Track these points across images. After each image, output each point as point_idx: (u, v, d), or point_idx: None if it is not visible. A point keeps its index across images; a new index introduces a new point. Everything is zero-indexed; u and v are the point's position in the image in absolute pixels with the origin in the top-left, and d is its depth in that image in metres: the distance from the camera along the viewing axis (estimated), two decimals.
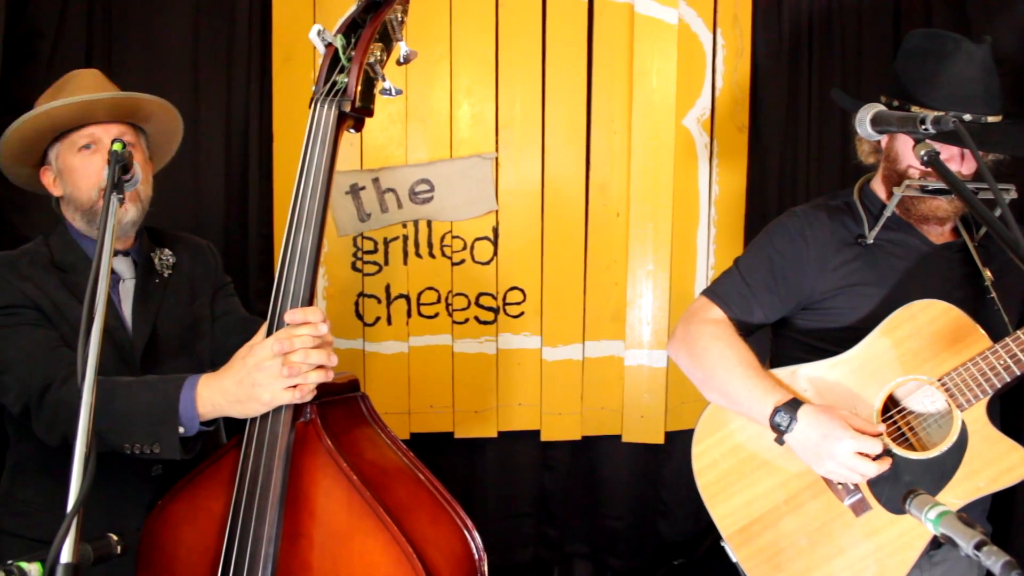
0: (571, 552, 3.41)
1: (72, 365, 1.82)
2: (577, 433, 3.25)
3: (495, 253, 3.15)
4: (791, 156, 3.23)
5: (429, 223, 3.12)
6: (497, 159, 3.12)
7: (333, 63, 1.75)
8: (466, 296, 3.15)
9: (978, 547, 1.25)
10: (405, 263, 3.12)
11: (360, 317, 3.11)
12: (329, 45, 1.75)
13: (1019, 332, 1.77)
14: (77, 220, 2.07)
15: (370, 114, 1.78)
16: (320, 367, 1.61)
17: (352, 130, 1.79)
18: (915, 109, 1.94)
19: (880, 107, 1.73)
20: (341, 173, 3.03)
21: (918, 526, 1.81)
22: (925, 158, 1.56)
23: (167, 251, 2.19)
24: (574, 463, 3.33)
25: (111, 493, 1.92)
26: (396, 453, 1.84)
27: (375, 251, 3.10)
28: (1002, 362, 1.78)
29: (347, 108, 1.70)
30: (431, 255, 3.13)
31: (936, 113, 1.54)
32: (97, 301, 1.44)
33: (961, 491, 1.79)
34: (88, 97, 2.00)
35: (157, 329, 2.08)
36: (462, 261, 3.14)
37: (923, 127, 1.55)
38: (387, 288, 3.12)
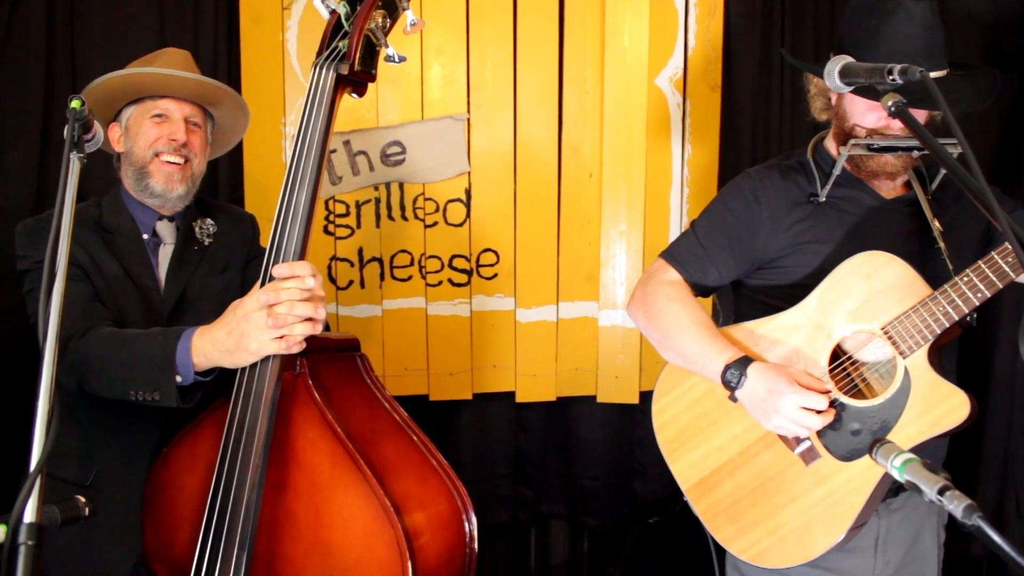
0: (548, 512, 3.43)
1: (97, 319, 1.95)
2: (552, 394, 3.26)
3: (468, 215, 3.15)
4: (764, 115, 3.21)
5: (401, 185, 3.12)
6: (469, 120, 3.11)
7: (336, 29, 1.80)
8: (439, 258, 3.16)
9: (941, 492, 1.28)
10: (378, 226, 3.12)
11: (333, 281, 3.12)
12: (333, 12, 1.80)
13: (957, 279, 1.78)
14: (130, 177, 2.18)
15: (372, 79, 1.83)
16: (308, 320, 1.66)
17: (354, 95, 1.84)
18: None
19: (849, 59, 1.73)
20: None
21: (865, 472, 1.84)
22: (892, 109, 1.57)
23: (209, 220, 2.29)
24: (549, 424, 3.35)
25: (125, 438, 2.05)
26: (390, 413, 1.89)
27: (347, 214, 3.10)
28: (941, 308, 1.79)
29: (345, 71, 1.75)
30: (404, 218, 3.13)
31: (903, 65, 1.54)
32: (59, 257, 1.46)
33: (905, 435, 1.80)
34: (176, 72, 2.16)
35: (187, 294, 2.18)
36: (435, 223, 3.14)
37: (890, 78, 1.55)
38: (360, 251, 3.12)
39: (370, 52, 1.79)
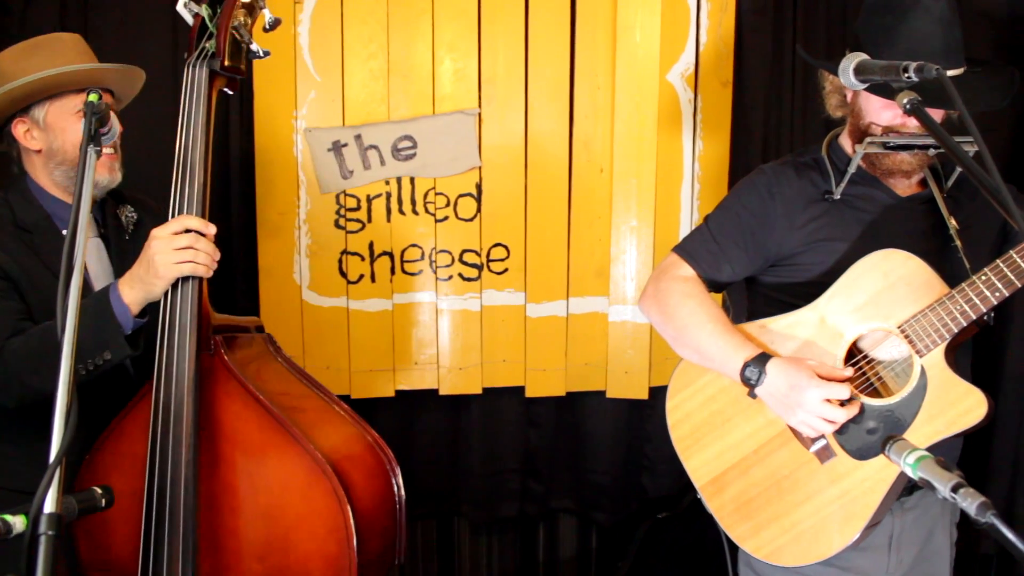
0: (556, 507, 3.44)
1: (11, 326, 1.93)
2: (561, 389, 3.26)
3: (478, 210, 3.14)
4: (775, 111, 3.21)
5: (412, 180, 3.11)
6: (480, 115, 3.10)
7: (201, 31, 1.97)
8: (450, 253, 3.15)
9: (955, 489, 1.28)
10: (388, 220, 3.12)
11: (344, 275, 3.12)
12: (196, 15, 1.98)
13: (974, 278, 1.78)
14: (56, 175, 2.13)
15: (242, 73, 2.01)
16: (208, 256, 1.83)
17: (227, 90, 2.01)
18: None
19: (864, 56, 1.73)
20: (323, 130, 3.02)
21: (880, 471, 1.84)
22: (908, 107, 1.57)
23: (129, 208, 2.28)
24: (559, 419, 3.35)
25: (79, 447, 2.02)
26: (303, 382, 2.00)
27: (358, 208, 3.10)
28: (958, 307, 1.79)
29: (217, 67, 1.91)
30: (414, 212, 3.13)
31: (919, 63, 1.54)
32: (76, 254, 1.47)
33: (922, 435, 1.80)
34: (97, 66, 2.15)
35: None
36: (445, 218, 3.14)
37: (906, 75, 1.56)
38: (370, 245, 3.12)
39: (236, 49, 1.97)
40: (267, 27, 2.02)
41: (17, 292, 2.00)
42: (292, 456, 1.76)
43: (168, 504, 1.71)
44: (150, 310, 1.87)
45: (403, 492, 1.93)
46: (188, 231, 1.80)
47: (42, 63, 2.07)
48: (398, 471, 1.94)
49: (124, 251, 2.19)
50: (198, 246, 1.80)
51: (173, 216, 1.88)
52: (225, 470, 1.78)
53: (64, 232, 2.10)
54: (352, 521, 1.73)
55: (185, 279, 1.83)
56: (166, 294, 1.83)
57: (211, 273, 1.83)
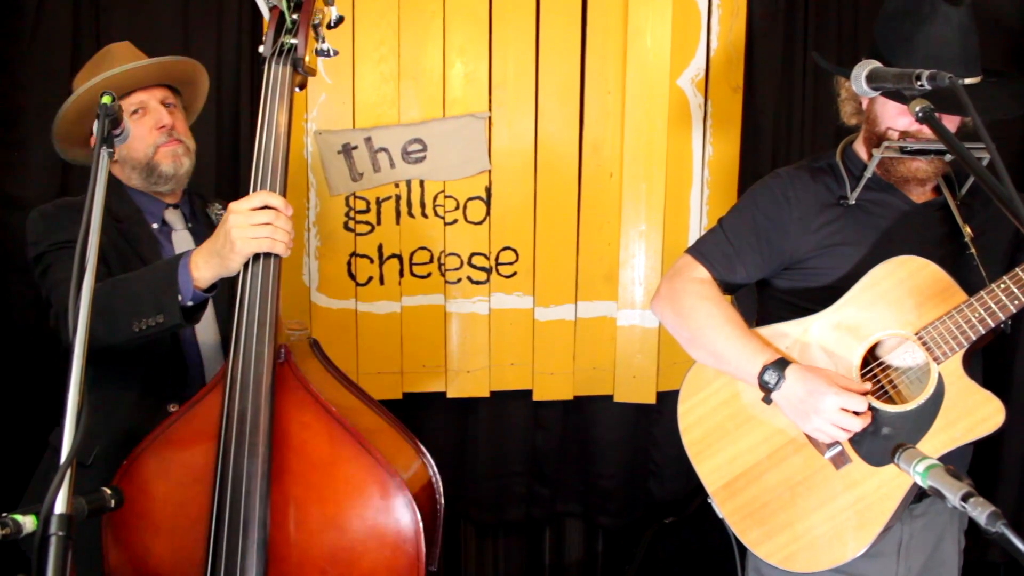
0: (563, 511, 3.43)
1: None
2: (569, 393, 3.26)
3: (488, 213, 3.14)
4: (785, 116, 3.21)
5: (422, 183, 3.11)
6: (490, 118, 3.10)
7: (279, 25, 1.89)
8: (459, 256, 3.15)
9: (965, 498, 1.28)
10: (398, 223, 3.12)
11: (352, 277, 3.12)
12: (274, 7, 1.90)
13: (993, 286, 1.78)
14: (133, 179, 2.23)
15: (313, 73, 1.96)
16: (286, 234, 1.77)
17: (299, 88, 1.93)
18: None
19: (876, 64, 1.73)
20: (333, 132, 3.02)
21: (896, 478, 1.84)
22: (920, 114, 1.57)
23: (218, 205, 2.37)
24: (566, 423, 3.35)
25: (124, 421, 2.06)
26: (352, 389, 1.95)
27: (367, 211, 3.10)
28: (976, 315, 1.79)
29: (300, 66, 1.86)
30: (424, 215, 3.13)
31: (932, 71, 1.55)
32: (89, 254, 1.47)
33: (938, 442, 1.81)
34: (129, 66, 2.16)
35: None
36: (455, 221, 3.14)
37: (919, 83, 1.56)
38: (379, 248, 3.12)
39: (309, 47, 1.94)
40: (331, 24, 1.97)
41: (105, 265, 2.06)
42: (364, 468, 1.73)
43: (241, 516, 1.67)
44: (220, 285, 1.85)
45: (443, 497, 1.92)
46: (267, 208, 1.75)
47: (101, 73, 2.17)
48: (438, 476, 1.93)
49: None
50: (277, 223, 1.74)
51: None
52: (291, 481, 1.73)
53: (153, 225, 2.23)
54: (423, 533, 1.71)
55: (264, 257, 1.78)
56: (244, 269, 1.78)
57: (288, 252, 1.78)
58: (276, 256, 1.78)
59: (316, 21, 1.89)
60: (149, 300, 1.81)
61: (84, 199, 2.14)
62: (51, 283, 2.04)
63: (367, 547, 1.73)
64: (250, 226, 1.72)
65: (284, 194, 1.80)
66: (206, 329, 2.22)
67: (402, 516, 1.72)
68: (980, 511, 1.24)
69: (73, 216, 2.09)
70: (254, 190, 1.79)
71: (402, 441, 1.91)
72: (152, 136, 2.18)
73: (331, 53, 1.99)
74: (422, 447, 1.93)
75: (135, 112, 2.19)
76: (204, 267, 1.79)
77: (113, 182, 2.21)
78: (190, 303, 1.81)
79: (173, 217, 2.28)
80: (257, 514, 1.67)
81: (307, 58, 1.88)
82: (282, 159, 1.82)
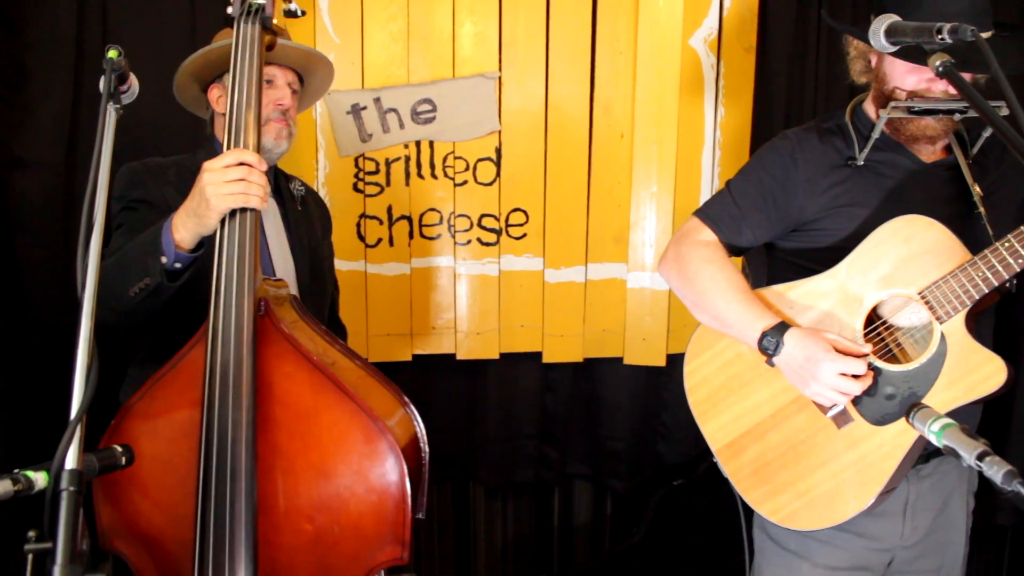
0: (572, 473, 3.46)
1: None
2: (579, 355, 3.27)
3: (498, 174, 3.13)
4: (798, 77, 3.17)
5: (431, 143, 3.10)
6: (500, 79, 3.09)
7: None
8: (468, 217, 3.15)
9: (980, 457, 1.27)
10: (407, 184, 3.12)
11: (362, 238, 3.12)
12: None
13: (997, 244, 1.76)
14: None
15: (282, 33, 2.02)
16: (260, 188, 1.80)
17: (268, 48, 1.98)
18: None
19: (895, 18, 1.71)
20: (342, 92, 3.01)
21: (897, 436, 1.83)
22: (940, 69, 1.55)
23: (298, 181, 2.43)
24: (575, 385, 3.36)
25: None
26: (333, 343, 1.97)
27: (376, 172, 3.10)
28: (980, 273, 1.77)
29: (268, 24, 1.90)
30: (433, 176, 3.12)
31: (953, 24, 1.52)
32: (95, 212, 1.47)
33: (940, 400, 1.79)
34: (288, 42, 2.25)
35: (295, 253, 2.32)
36: (464, 182, 3.13)
37: (939, 37, 1.53)
38: (389, 209, 3.12)
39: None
40: None
41: None
42: (347, 416, 1.76)
43: (228, 466, 1.68)
44: (205, 243, 1.87)
45: (427, 447, 1.94)
46: (241, 164, 1.77)
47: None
48: (422, 426, 1.95)
49: (297, 219, 2.33)
50: (251, 178, 1.77)
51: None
52: (274, 431, 1.76)
53: None
54: (407, 477, 1.74)
55: (240, 212, 1.80)
56: (221, 225, 1.80)
57: (264, 205, 1.81)
58: (252, 210, 1.80)
59: None
60: (137, 264, 1.84)
61: (169, 162, 2.22)
62: (112, 244, 2.08)
63: (353, 492, 1.75)
64: (224, 183, 1.75)
65: (258, 150, 1.83)
66: None
67: (386, 460, 1.75)
68: (996, 470, 1.24)
69: (156, 176, 2.17)
70: (227, 148, 1.82)
71: (383, 390, 1.93)
72: (268, 109, 2.22)
73: (299, 13, 2.04)
74: (405, 398, 1.96)
75: (266, 82, 2.23)
76: (182, 227, 1.82)
77: (208, 146, 2.27)
78: (178, 265, 1.85)
79: None
80: (244, 463, 1.68)
81: (275, 20, 1.92)
82: (254, 117, 1.84)
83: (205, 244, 1.86)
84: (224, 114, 2.21)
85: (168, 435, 1.78)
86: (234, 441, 1.69)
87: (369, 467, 1.75)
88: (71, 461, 1.30)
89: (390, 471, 1.75)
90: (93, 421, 1.79)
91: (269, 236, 2.27)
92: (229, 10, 1.91)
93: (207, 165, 1.77)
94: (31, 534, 1.25)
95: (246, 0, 1.91)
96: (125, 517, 1.81)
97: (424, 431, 1.95)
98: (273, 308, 1.82)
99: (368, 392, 1.86)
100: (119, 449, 1.47)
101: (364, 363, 1.97)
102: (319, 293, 2.41)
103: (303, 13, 2.04)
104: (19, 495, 1.27)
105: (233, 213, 1.79)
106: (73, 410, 1.33)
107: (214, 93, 2.27)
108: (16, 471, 1.28)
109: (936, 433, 1.40)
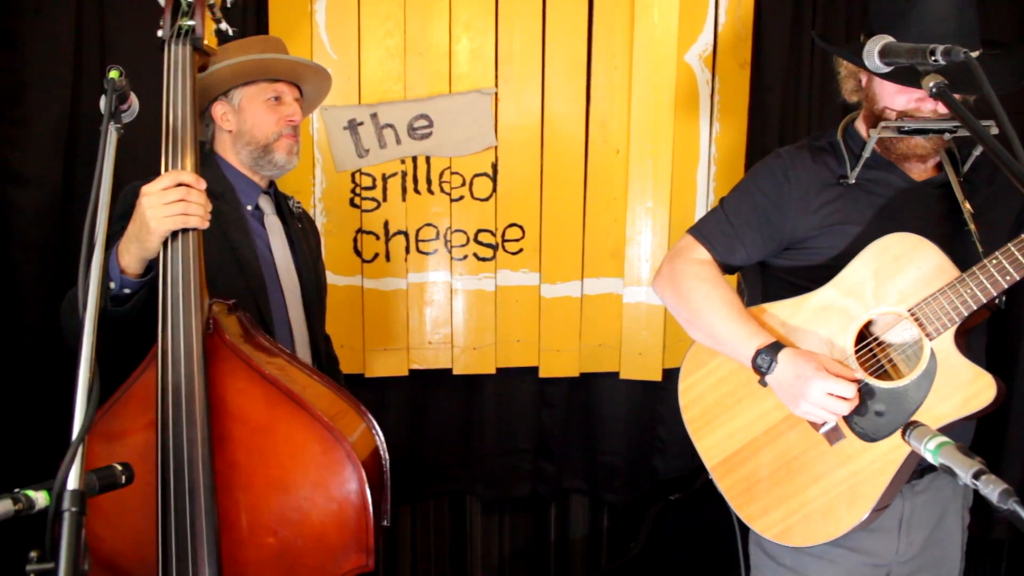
0: (568, 488, 3.45)
1: None
2: (575, 370, 3.27)
3: (494, 189, 3.15)
4: (793, 93, 3.18)
5: (428, 159, 3.12)
6: (496, 94, 3.10)
7: (175, 9, 1.94)
8: (465, 232, 3.16)
9: (976, 476, 1.28)
10: (404, 199, 3.13)
11: (358, 253, 3.13)
12: None
13: (985, 261, 1.76)
14: (243, 155, 2.30)
15: (214, 53, 2.07)
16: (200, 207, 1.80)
17: (200, 69, 2.05)
18: None
19: (889, 39, 1.72)
20: (339, 108, 3.03)
21: (889, 452, 1.84)
22: (934, 90, 1.56)
23: (295, 200, 2.46)
24: (572, 400, 3.36)
25: None
26: (282, 354, 1.98)
27: (373, 187, 3.11)
28: (968, 291, 1.77)
29: (199, 44, 1.91)
30: (430, 191, 3.13)
31: (946, 46, 1.53)
32: (97, 231, 1.49)
33: (931, 417, 1.80)
34: (301, 60, 2.40)
35: (300, 270, 2.35)
36: (461, 197, 3.15)
37: (932, 58, 1.54)
38: (385, 224, 3.13)
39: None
40: (227, 4, 2.05)
41: None
42: (303, 427, 1.78)
43: (187, 484, 1.69)
44: (155, 268, 1.87)
45: (387, 454, 1.94)
46: (180, 185, 1.78)
47: (247, 54, 2.27)
48: (380, 431, 1.95)
49: (298, 236, 2.37)
50: (190, 198, 1.77)
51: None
52: (231, 448, 1.77)
53: (247, 207, 2.30)
54: (367, 484, 1.75)
55: (183, 233, 1.81)
56: (164, 247, 1.81)
57: (206, 224, 1.82)
58: (193, 230, 1.81)
59: (212, 1, 1.97)
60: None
61: None
62: None
63: (314, 503, 1.77)
64: (163, 205, 1.76)
65: (196, 170, 1.84)
66: (297, 319, 2.33)
67: (344, 469, 1.77)
68: (992, 488, 1.24)
69: None
70: (165, 170, 1.83)
71: (335, 397, 1.94)
72: (279, 125, 2.28)
73: (229, 33, 2.07)
74: (362, 406, 1.97)
75: (275, 99, 2.30)
76: (126, 253, 1.83)
77: (209, 161, 2.29)
78: (127, 291, 1.86)
79: (266, 203, 2.36)
80: (202, 481, 1.70)
81: (206, 41, 1.93)
82: (191, 137, 1.86)
83: (154, 269, 1.86)
84: (229, 131, 2.29)
85: (125, 458, 1.76)
86: (191, 460, 1.71)
87: (328, 477, 1.77)
88: (73, 481, 1.30)
89: (349, 479, 1.77)
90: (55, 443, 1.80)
91: (275, 249, 2.29)
92: (160, 33, 1.92)
93: (145, 189, 1.77)
94: (33, 555, 1.25)
95: (176, 23, 1.93)
96: (93, 541, 1.80)
97: (383, 438, 1.95)
98: (222, 325, 1.84)
99: (322, 402, 1.87)
100: (119, 467, 1.46)
101: (309, 368, 1.99)
102: (323, 308, 2.44)
103: (235, 32, 2.07)
104: (19, 515, 1.26)
105: (175, 234, 1.79)
106: (75, 429, 1.33)
107: (218, 110, 2.30)
108: (16, 490, 1.27)
109: (932, 452, 1.41)
